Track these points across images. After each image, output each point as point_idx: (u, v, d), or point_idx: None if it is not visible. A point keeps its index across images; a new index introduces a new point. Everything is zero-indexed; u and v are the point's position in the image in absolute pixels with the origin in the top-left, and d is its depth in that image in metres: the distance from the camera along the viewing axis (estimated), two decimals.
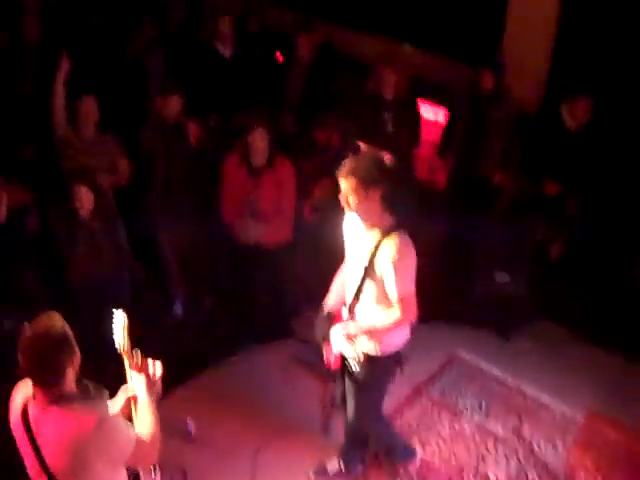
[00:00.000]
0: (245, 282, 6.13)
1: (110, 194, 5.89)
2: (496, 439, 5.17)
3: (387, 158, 5.83)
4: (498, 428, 5.26)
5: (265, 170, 5.68)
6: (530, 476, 4.92)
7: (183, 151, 5.93)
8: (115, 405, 3.29)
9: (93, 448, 2.80)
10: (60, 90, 5.65)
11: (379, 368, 4.20)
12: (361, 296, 4.05)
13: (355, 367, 4.21)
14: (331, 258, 6.84)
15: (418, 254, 3.93)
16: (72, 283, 5.40)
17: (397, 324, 3.99)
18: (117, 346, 3.30)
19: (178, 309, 6.37)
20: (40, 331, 2.84)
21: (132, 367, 3.26)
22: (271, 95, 7.00)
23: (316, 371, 5.69)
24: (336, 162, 7.33)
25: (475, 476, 4.88)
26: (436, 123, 7.59)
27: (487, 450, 5.08)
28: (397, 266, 3.82)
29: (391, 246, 3.84)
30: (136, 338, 5.67)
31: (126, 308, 5.74)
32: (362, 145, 5.93)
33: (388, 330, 4.04)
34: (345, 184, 3.87)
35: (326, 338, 4.25)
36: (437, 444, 5.13)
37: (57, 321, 2.88)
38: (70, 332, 2.89)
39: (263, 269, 5.97)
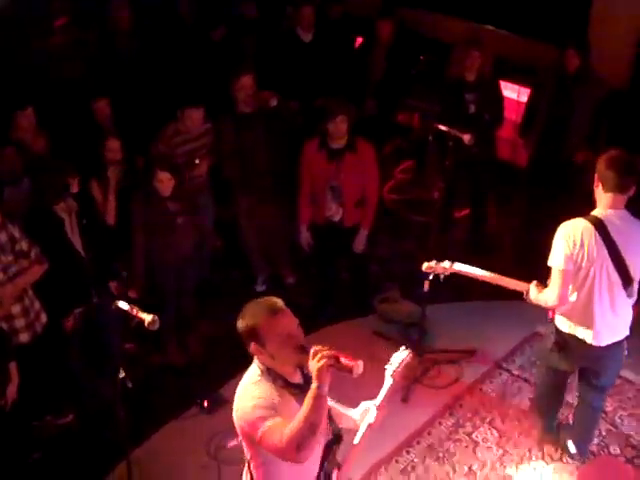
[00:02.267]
0: (326, 260, 6.25)
1: (205, 175, 6.16)
2: (575, 413, 5.13)
3: (467, 138, 5.89)
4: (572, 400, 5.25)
5: (346, 153, 5.70)
6: (612, 450, 4.91)
7: (259, 140, 6.06)
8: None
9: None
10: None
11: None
12: None
13: None
14: (413, 240, 7.05)
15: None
16: (153, 261, 5.61)
17: (544, 297, 4.20)
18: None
19: (260, 286, 6.58)
20: (241, 315, 3.09)
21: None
22: (351, 79, 7.06)
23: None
24: (417, 144, 7.58)
25: (556, 449, 4.88)
26: (518, 103, 7.56)
27: (568, 423, 5.07)
28: (554, 241, 4.10)
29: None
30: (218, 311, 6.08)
31: (205, 285, 6.15)
32: (443, 127, 5.93)
33: (542, 304, 4.26)
34: None
35: None
36: (517, 417, 5.18)
37: (252, 312, 3.05)
38: (259, 323, 3.00)
39: (344, 248, 6.07)
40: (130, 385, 4.12)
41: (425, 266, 4.71)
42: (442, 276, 4.69)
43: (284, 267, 6.71)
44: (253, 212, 6.34)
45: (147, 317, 3.93)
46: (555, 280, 4.11)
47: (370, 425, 3.38)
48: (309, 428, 2.84)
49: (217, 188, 6.40)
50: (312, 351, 2.90)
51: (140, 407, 4.97)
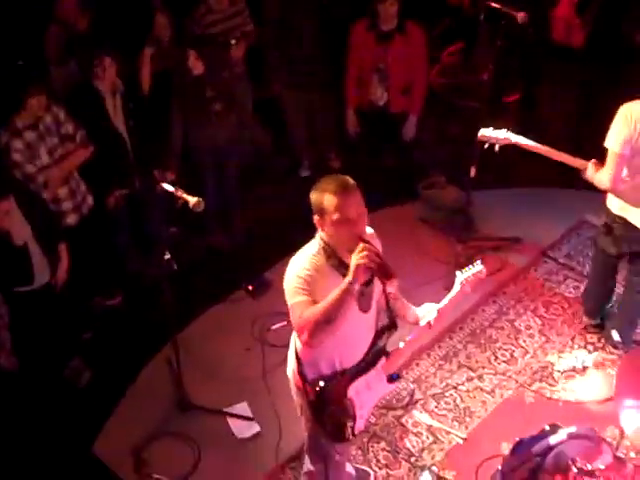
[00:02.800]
0: (372, 146, 6.18)
1: (242, 62, 5.98)
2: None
3: (521, 16, 5.63)
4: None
5: (395, 35, 5.56)
6: None
7: (307, 18, 5.84)
8: None
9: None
10: None
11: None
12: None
13: None
14: (461, 125, 6.88)
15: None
16: (191, 147, 5.58)
17: (599, 178, 4.11)
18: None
19: (305, 170, 6.56)
20: (314, 187, 3.05)
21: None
22: None
23: (442, 234, 5.81)
24: (467, 24, 7.29)
25: (600, 337, 4.88)
26: None
27: (613, 312, 5.00)
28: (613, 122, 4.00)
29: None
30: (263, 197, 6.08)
31: (248, 169, 6.11)
32: (495, 4, 5.66)
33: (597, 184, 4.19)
34: None
35: None
36: (561, 306, 5.17)
37: (324, 186, 3.00)
38: (325, 197, 2.97)
39: (390, 134, 5.97)
40: (175, 267, 4.16)
41: (480, 134, 4.57)
42: (497, 146, 4.54)
43: (329, 151, 6.63)
44: (299, 100, 6.18)
45: (192, 199, 3.93)
46: (610, 162, 4.02)
47: (429, 325, 3.39)
48: (326, 318, 2.88)
49: (257, 72, 6.26)
50: (360, 246, 2.88)
51: (185, 290, 5.01)
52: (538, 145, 4.39)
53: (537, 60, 6.65)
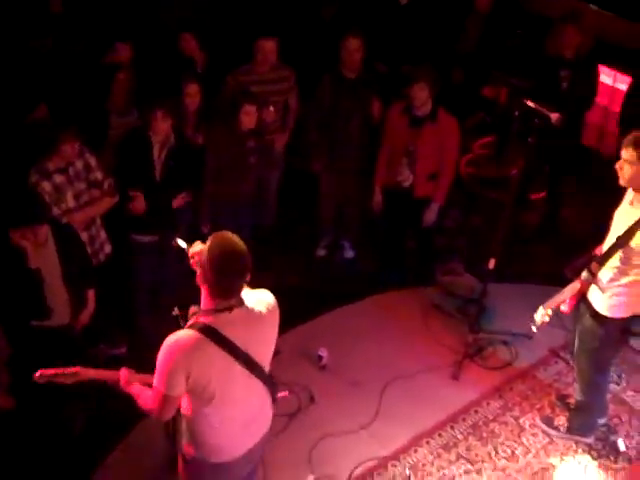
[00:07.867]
0: (394, 227, 6.19)
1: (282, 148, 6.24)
2: (631, 412, 5.03)
3: (555, 117, 5.71)
4: (636, 401, 5.12)
5: (427, 122, 5.62)
6: None
7: (357, 110, 5.93)
8: None
9: None
10: None
11: (602, 329, 4.35)
12: (606, 263, 4.20)
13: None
14: (485, 217, 6.90)
15: None
16: (213, 197, 5.60)
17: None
18: None
19: (321, 250, 6.67)
20: None
21: None
22: (442, 46, 6.89)
23: (454, 322, 5.77)
24: (501, 119, 7.37)
25: (604, 445, 4.77)
26: (613, 89, 7.29)
27: (620, 420, 4.95)
28: None
29: None
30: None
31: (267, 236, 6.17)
32: (532, 103, 5.75)
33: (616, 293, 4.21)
34: (625, 154, 4.01)
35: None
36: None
37: None
38: None
39: (413, 218, 5.99)
40: (183, 325, 4.15)
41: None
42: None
43: (348, 238, 6.68)
44: (334, 182, 6.28)
45: None
46: None
47: None
48: None
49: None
50: None
51: None
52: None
53: (566, 161, 6.68)
